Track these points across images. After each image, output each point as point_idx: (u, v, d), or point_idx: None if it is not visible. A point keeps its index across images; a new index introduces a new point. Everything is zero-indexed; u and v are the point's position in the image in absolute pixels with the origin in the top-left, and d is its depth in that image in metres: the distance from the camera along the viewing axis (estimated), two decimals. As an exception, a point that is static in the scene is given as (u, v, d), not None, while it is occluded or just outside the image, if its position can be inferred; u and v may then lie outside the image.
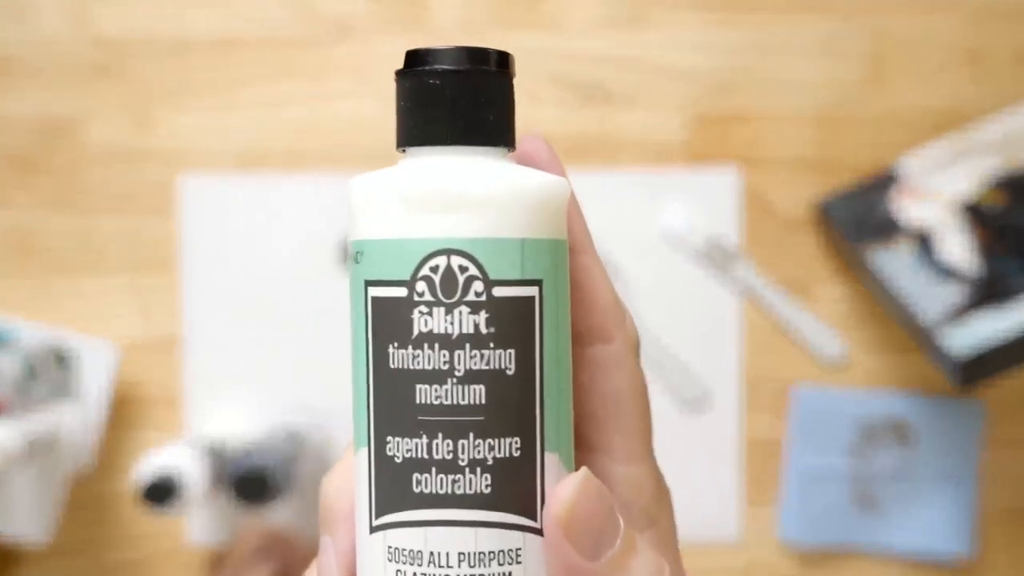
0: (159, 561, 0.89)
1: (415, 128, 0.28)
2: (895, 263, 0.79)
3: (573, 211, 0.29)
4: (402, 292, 0.26)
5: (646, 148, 0.87)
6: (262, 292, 0.88)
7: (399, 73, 0.28)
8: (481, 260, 0.26)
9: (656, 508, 0.30)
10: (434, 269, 0.26)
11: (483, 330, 0.26)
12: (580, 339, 0.29)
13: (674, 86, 0.87)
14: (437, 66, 0.27)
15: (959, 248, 0.78)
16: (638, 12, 0.86)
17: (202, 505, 0.83)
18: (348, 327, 0.28)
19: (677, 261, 0.87)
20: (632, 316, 0.31)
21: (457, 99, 0.27)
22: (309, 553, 0.87)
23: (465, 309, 0.26)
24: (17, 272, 0.89)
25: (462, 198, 0.26)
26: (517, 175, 0.27)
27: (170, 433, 0.89)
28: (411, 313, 0.26)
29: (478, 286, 0.26)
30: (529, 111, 0.87)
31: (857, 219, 0.82)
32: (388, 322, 0.26)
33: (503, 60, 0.28)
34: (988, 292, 0.76)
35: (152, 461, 0.75)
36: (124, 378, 0.88)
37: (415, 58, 0.27)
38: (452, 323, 0.26)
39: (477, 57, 0.27)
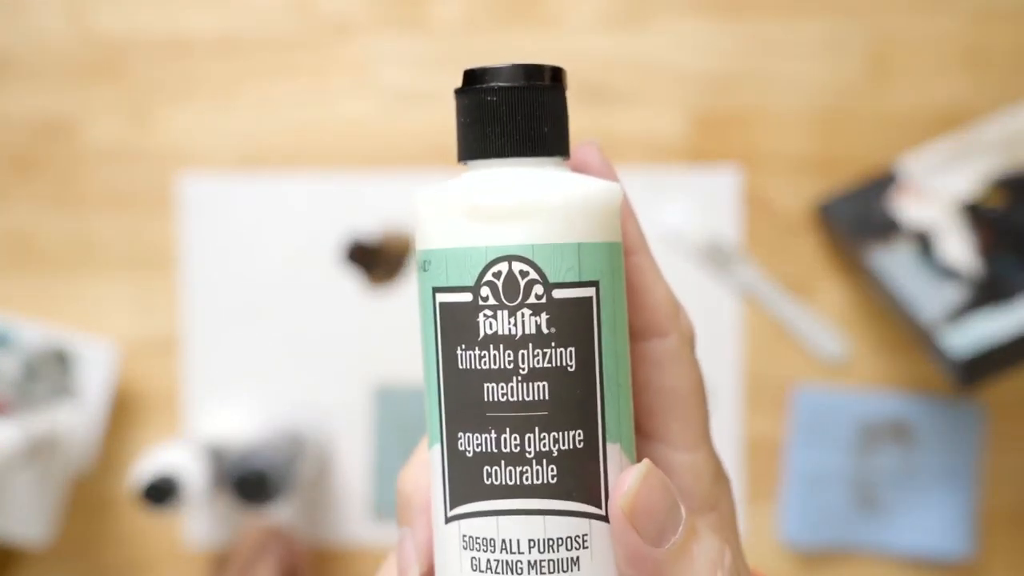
0: (159, 561, 0.89)
1: (475, 143, 0.29)
2: (895, 263, 0.79)
3: (626, 213, 0.31)
4: (467, 297, 0.27)
5: (646, 147, 0.87)
6: (262, 292, 0.88)
7: (458, 91, 0.29)
8: (541, 265, 0.27)
9: (716, 492, 0.31)
10: (497, 275, 0.27)
11: (544, 330, 0.27)
12: (637, 335, 0.30)
13: (675, 85, 0.87)
14: (494, 83, 0.28)
15: (959, 248, 0.78)
16: (639, 11, 0.86)
17: (202, 505, 0.83)
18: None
19: (677, 261, 0.87)
20: (687, 311, 0.32)
21: (514, 114, 0.28)
22: (309, 549, 0.87)
23: (527, 311, 0.27)
24: (17, 272, 0.89)
25: (521, 208, 0.27)
26: (572, 183, 0.28)
27: (170, 433, 0.89)
28: (476, 316, 0.27)
29: (538, 289, 0.27)
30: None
31: (857, 219, 0.82)
32: (455, 325, 0.28)
33: (557, 75, 0.29)
34: (988, 292, 0.76)
35: (152, 461, 0.75)
36: (124, 378, 0.88)
37: (473, 77, 0.29)
38: (515, 325, 0.27)
39: (533, 73, 0.28)
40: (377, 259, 0.77)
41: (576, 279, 0.27)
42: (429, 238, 0.28)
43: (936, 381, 0.87)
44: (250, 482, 0.74)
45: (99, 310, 0.88)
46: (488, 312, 0.27)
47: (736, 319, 0.87)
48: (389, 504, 0.88)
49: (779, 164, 0.87)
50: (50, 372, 0.86)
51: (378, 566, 0.88)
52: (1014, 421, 0.87)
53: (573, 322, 0.27)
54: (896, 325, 0.87)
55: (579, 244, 0.27)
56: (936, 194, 0.81)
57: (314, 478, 0.88)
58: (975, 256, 0.78)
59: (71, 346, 0.86)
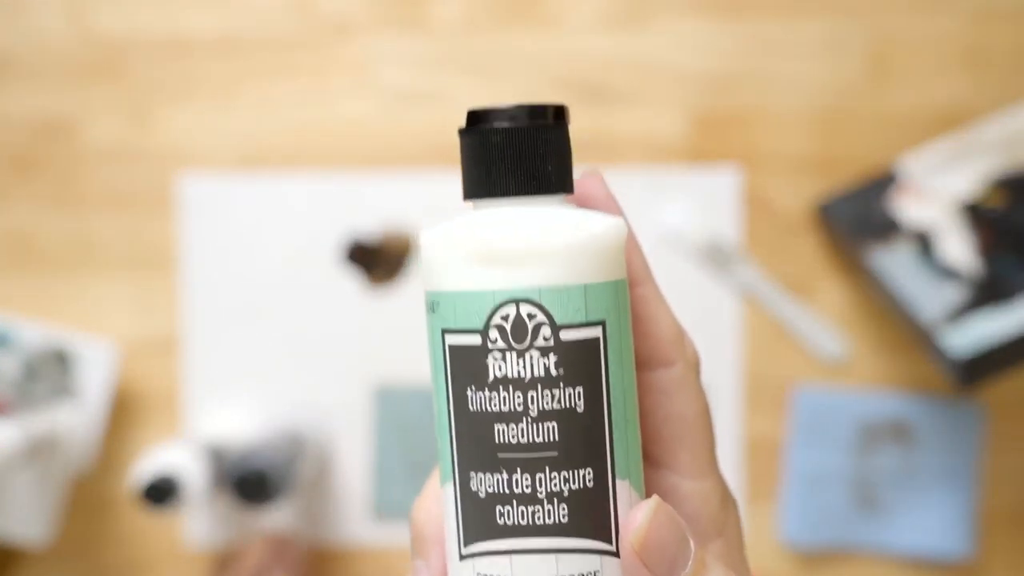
0: (159, 561, 0.89)
1: (480, 183, 0.29)
2: (895, 263, 0.79)
3: (630, 245, 0.31)
4: (476, 340, 0.28)
5: (646, 147, 0.87)
6: (262, 292, 0.88)
7: (462, 132, 0.29)
8: (548, 307, 0.27)
9: (723, 517, 0.31)
10: (505, 318, 0.27)
11: (553, 372, 0.27)
12: (643, 364, 0.31)
13: (675, 85, 0.87)
14: (498, 124, 0.28)
15: (959, 248, 0.78)
16: (639, 11, 0.87)
17: (202, 505, 0.83)
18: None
19: (677, 261, 0.87)
20: (691, 338, 0.31)
21: (518, 154, 0.28)
22: (314, 555, 0.87)
23: (535, 353, 0.27)
24: (17, 272, 0.89)
25: (527, 252, 0.27)
26: (577, 224, 0.28)
27: (170, 433, 0.89)
28: (486, 359, 0.27)
29: (546, 331, 0.27)
30: (529, 111, 0.87)
31: (857, 219, 0.82)
32: (465, 367, 0.28)
33: (559, 113, 0.29)
34: (988, 292, 0.76)
35: (152, 461, 0.75)
36: (124, 378, 0.88)
37: (476, 117, 0.29)
38: (524, 367, 0.27)
39: (536, 113, 0.29)
40: (377, 259, 0.77)
41: (583, 320, 0.27)
42: (437, 280, 0.28)
43: (936, 381, 0.87)
44: (250, 482, 0.74)
45: (99, 310, 0.88)
46: (497, 355, 0.27)
47: (736, 319, 0.87)
48: (389, 504, 0.88)
49: (779, 164, 0.87)
50: (50, 372, 0.86)
51: (378, 566, 0.88)
52: (1014, 421, 0.87)
53: (581, 362, 0.27)
54: (896, 325, 0.87)
55: (585, 285, 0.28)
56: (936, 194, 0.81)
57: (314, 478, 0.88)
58: (975, 256, 0.78)
59: (71, 346, 0.86)
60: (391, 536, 0.88)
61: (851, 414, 0.87)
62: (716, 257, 0.86)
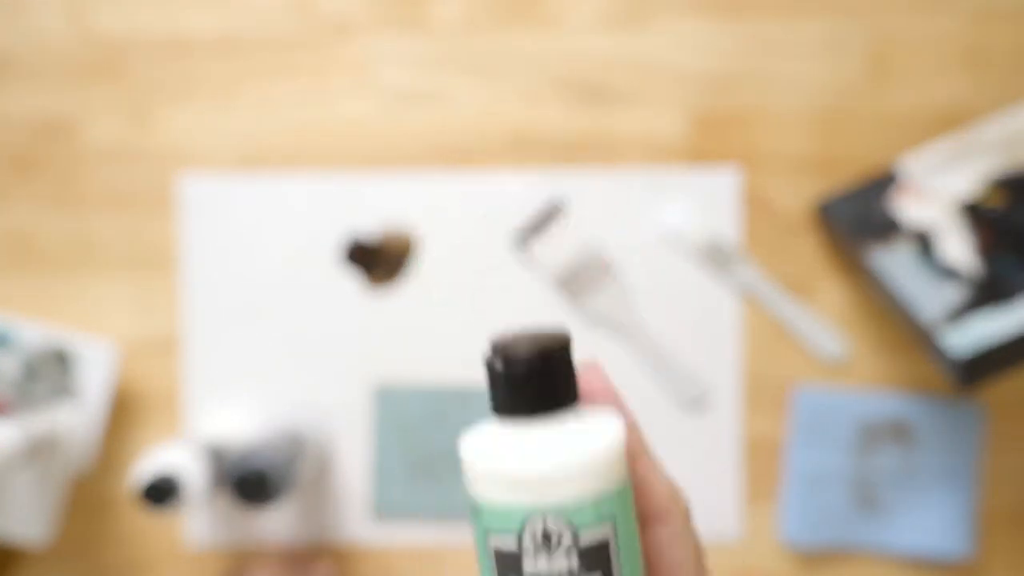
0: (159, 561, 0.89)
1: (505, 404, 0.36)
2: (895, 263, 0.79)
3: (629, 427, 0.37)
4: (513, 544, 0.35)
5: (646, 147, 0.87)
6: (262, 292, 0.88)
7: (488, 362, 0.36)
8: (569, 517, 0.34)
9: None
10: (535, 527, 0.34)
11: (576, 568, 0.34)
12: (644, 523, 0.36)
13: (674, 85, 0.87)
14: (518, 357, 0.35)
15: (959, 248, 0.78)
16: (639, 11, 0.87)
17: (202, 505, 0.83)
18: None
19: (677, 261, 0.87)
20: (682, 491, 0.37)
21: (536, 383, 0.35)
22: (315, 557, 0.87)
23: (560, 552, 0.34)
24: (17, 272, 0.89)
25: (549, 478, 0.34)
26: (588, 447, 0.34)
27: (170, 433, 0.89)
28: (522, 560, 0.34)
29: (567, 535, 0.34)
30: (530, 111, 0.87)
31: (857, 219, 0.82)
32: (507, 564, 0.35)
33: (565, 342, 0.36)
34: (988, 292, 0.76)
35: (152, 461, 0.75)
36: (124, 378, 0.88)
37: (499, 348, 0.35)
38: (552, 565, 0.34)
39: (548, 345, 0.35)
40: (377, 259, 0.77)
41: (597, 521, 0.34)
42: (478, 490, 0.35)
43: (936, 381, 0.87)
44: (250, 482, 0.74)
45: (99, 310, 0.88)
46: (530, 556, 0.34)
47: (736, 319, 0.87)
48: (389, 504, 0.88)
49: (779, 164, 0.87)
50: (50, 372, 0.86)
51: (378, 566, 0.88)
52: (1014, 421, 0.87)
53: (597, 556, 0.34)
54: (896, 325, 0.87)
55: (597, 498, 0.34)
56: (936, 194, 0.81)
57: (314, 478, 0.88)
58: (975, 256, 0.78)
59: (71, 346, 0.86)
60: (391, 536, 0.88)
61: (851, 414, 0.87)
62: (716, 257, 0.86)
